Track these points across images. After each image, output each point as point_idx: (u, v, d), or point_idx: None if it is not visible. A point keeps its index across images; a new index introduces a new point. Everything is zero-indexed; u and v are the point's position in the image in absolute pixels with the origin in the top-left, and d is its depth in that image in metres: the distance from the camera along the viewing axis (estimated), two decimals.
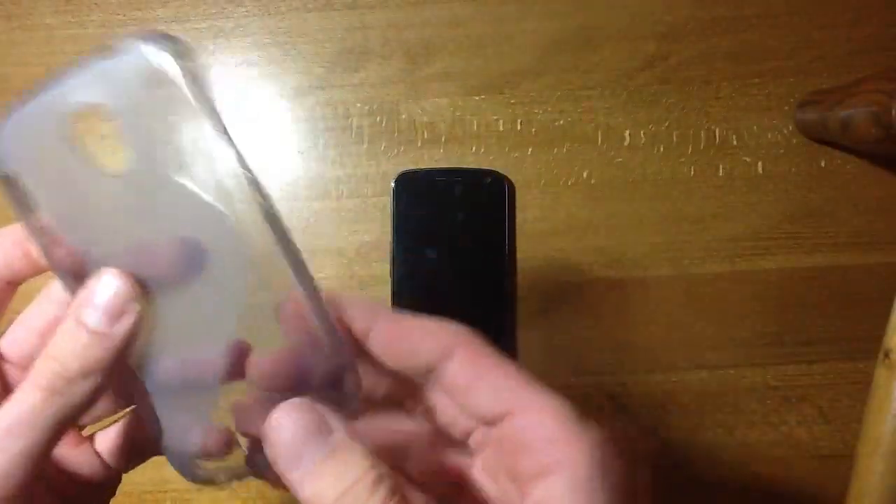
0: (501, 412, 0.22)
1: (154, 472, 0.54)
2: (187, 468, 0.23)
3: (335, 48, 0.56)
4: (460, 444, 0.25)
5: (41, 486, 0.24)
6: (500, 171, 0.55)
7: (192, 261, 0.21)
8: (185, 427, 0.23)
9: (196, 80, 0.20)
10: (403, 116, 0.55)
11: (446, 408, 0.24)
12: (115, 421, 0.27)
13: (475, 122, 0.55)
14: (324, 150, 0.54)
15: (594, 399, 0.53)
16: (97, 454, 0.26)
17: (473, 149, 0.55)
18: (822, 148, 0.54)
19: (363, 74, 0.56)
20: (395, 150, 0.54)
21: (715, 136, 0.55)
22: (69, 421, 0.21)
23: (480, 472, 0.25)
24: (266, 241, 0.20)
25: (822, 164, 0.54)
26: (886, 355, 0.49)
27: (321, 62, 0.56)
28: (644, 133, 0.55)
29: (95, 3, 0.56)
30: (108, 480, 0.27)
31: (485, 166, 0.55)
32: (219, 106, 0.20)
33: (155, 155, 0.20)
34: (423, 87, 0.55)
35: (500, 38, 0.55)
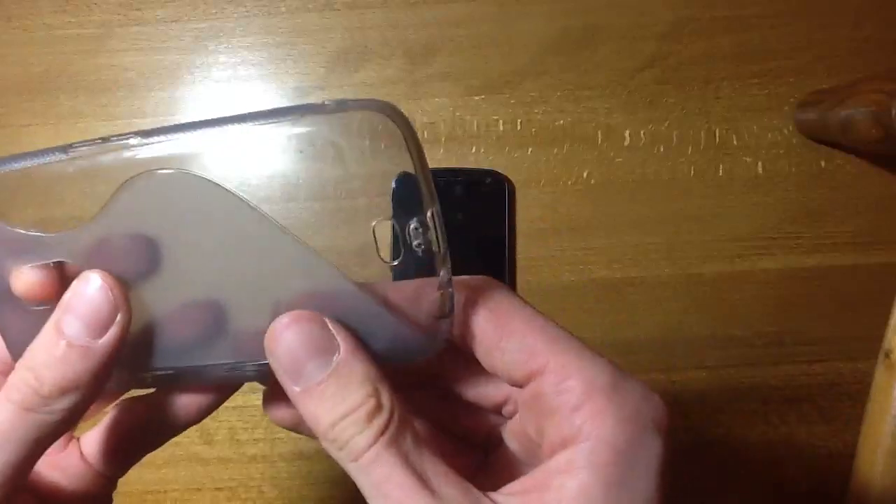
0: (529, 373, 0.20)
1: (154, 473, 0.54)
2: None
3: (335, 48, 0.56)
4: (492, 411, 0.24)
5: (27, 498, 0.22)
6: (500, 171, 0.55)
7: None
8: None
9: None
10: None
11: (478, 377, 0.23)
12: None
13: (475, 122, 0.55)
14: (323, 150, 0.54)
15: None
16: (84, 459, 0.24)
17: (473, 149, 0.55)
18: (822, 148, 0.54)
19: (363, 74, 0.56)
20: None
21: (715, 136, 0.55)
22: (47, 440, 0.19)
23: (509, 431, 0.23)
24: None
25: (822, 164, 0.54)
26: (886, 355, 0.49)
27: (321, 62, 0.56)
28: (644, 133, 0.55)
29: (95, 3, 0.56)
30: (100, 488, 0.25)
31: (485, 166, 0.55)
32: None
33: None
34: (423, 87, 0.55)
35: (500, 38, 0.55)
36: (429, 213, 0.20)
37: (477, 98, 0.55)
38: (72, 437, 0.25)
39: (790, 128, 0.54)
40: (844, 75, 0.53)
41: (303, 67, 0.56)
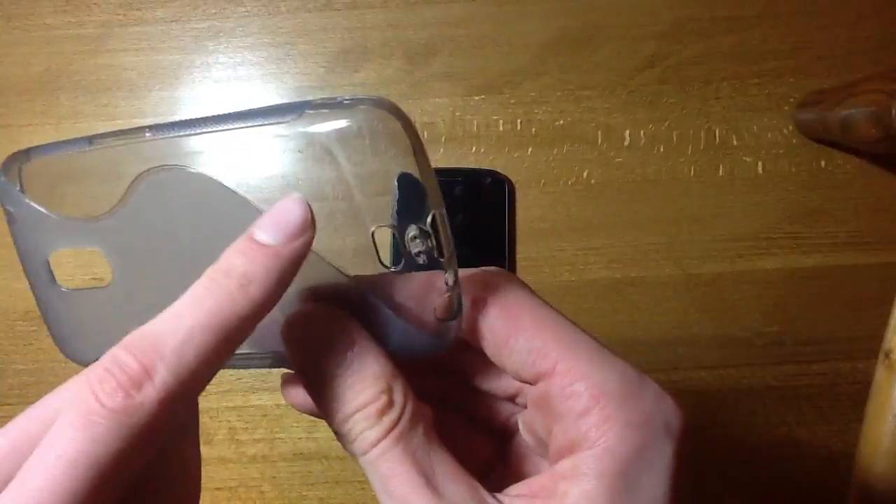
0: (539, 372, 0.20)
1: None
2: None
3: (335, 48, 0.56)
4: (505, 401, 0.24)
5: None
6: (500, 171, 0.55)
7: None
8: None
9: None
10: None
11: (490, 369, 0.22)
12: None
13: (475, 122, 0.55)
14: (322, 150, 0.54)
15: None
16: None
17: (473, 149, 0.55)
18: (822, 148, 0.54)
19: (363, 74, 0.56)
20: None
21: (715, 136, 0.55)
22: (240, 333, 0.18)
23: (523, 423, 0.23)
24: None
25: (822, 164, 0.54)
26: (886, 355, 0.49)
27: (321, 62, 0.56)
28: (644, 133, 0.55)
29: (95, 3, 0.56)
30: None
31: (485, 166, 0.55)
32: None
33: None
34: (423, 87, 0.55)
35: (500, 38, 0.55)
36: (434, 215, 0.20)
37: (477, 98, 0.55)
38: None
39: (790, 128, 0.54)
40: (844, 75, 0.53)
41: (303, 67, 0.56)
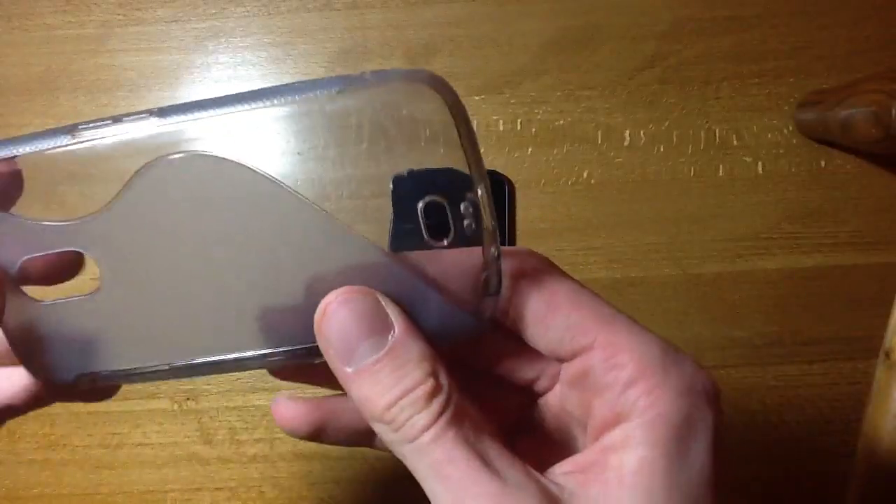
0: (578, 347, 0.20)
1: (154, 473, 0.54)
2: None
3: (335, 48, 0.56)
4: (524, 386, 0.23)
5: None
6: (500, 171, 0.55)
7: None
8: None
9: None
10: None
11: (511, 353, 0.22)
12: None
13: (475, 122, 0.55)
14: (323, 151, 0.54)
15: None
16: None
17: None
18: (822, 148, 0.54)
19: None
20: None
21: (715, 136, 0.55)
22: None
23: (544, 409, 0.22)
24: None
25: (822, 164, 0.54)
26: (887, 355, 0.49)
27: (321, 62, 0.56)
28: (644, 133, 0.55)
29: (95, 3, 0.56)
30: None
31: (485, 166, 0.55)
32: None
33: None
34: None
35: (500, 38, 0.55)
36: (480, 188, 0.19)
37: (477, 98, 0.55)
38: None
39: (790, 128, 0.54)
40: (844, 75, 0.53)
41: (303, 67, 0.56)
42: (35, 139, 0.19)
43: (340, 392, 0.24)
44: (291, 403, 0.24)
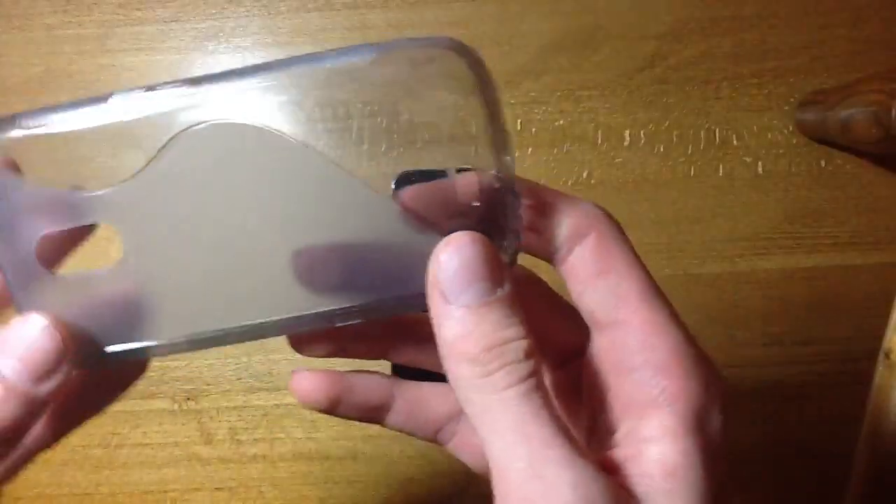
0: (618, 317, 0.20)
1: (154, 473, 0.54)
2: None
3: (335, 48, 0.56)
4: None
5: None
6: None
7: None
8: None
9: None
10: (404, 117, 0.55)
11: (541, 315, 0.22)
12: None
13: (475, 121, 0.55)
14: (324, 151, 0.54)
15: None
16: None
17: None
18: (822, 148, 0.54)
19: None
20: (396, 151, 0.54)
21: (715, 136, 0.55)
22: None
23: (581, 372, 0.22)
24: None
25: (822, 164, 0.54)
26: (886, 355, 0.49)
27: None
28: (644, 133, 0.55)
29: (95, 3, 0.56)
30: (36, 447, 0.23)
31: None
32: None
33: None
34: None
35: (500, 38, 0.55)
36: (507, 162, 0.19)
37: None
38: None
39: (790, 128, 0.54)
40: (844, 75, 0.53)
41: None
42: (69, 107, 0.19)
43: (356, 369, 0.25)
44: (312, 375, 0.24)
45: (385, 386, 0.25)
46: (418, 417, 0.25)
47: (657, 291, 0.20)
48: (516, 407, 0.18)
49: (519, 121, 0.55)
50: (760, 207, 0.54)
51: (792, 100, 0.54)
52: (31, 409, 0.18)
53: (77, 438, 0.53)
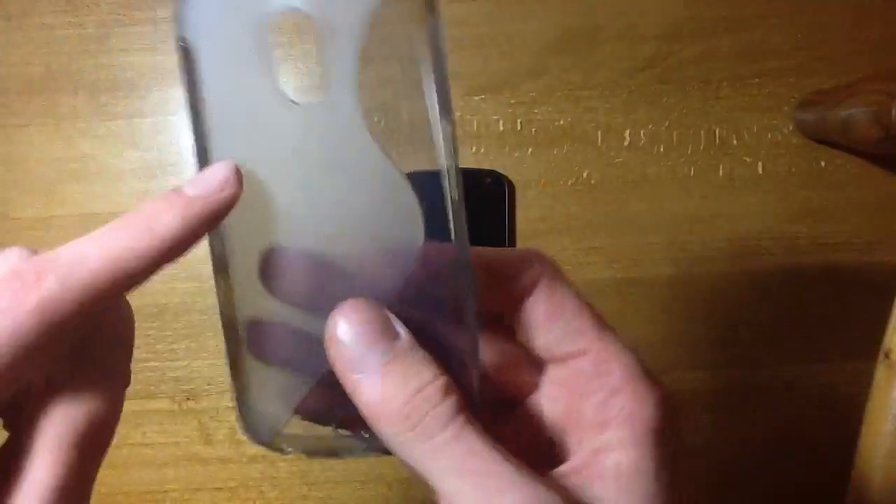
0: (574, 350, 0.21)
1: (154, 473, 0.54)
2: (264, 430, 0.23)
3: None
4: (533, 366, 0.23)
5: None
6: (500, 171, 0.55)
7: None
8: (284, 387, 0.22)
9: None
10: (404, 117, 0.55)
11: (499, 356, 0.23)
12: None
13: (475, 122, 0.55)
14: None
15: None
16: None
17: (473, 149, 0.55)
18: (822, 148, 0.54)
19: (363, 75, 0.56)
20: (395, 151, 0.54)
21: (715, 136, 0.55)
22: (134, 275, 0.18)
23: (540, 403, 0.23)
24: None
25: (822, 164, 0.54)
26: (886, 355, 0.49)
27: None
28: (644, 133, 0.55)
29: (95, 3, 0.56)
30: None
31: (485, 166, 0.55)
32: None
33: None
34: None
35: (500, 38, 0.55)
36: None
37: (477, 98, 0.55)
38: None
39: (790, 128, 0.54)
40: (844, 75, 0.53)
41: (303, 67, 0.56)
42: None
43: None
44: None
45: None
46: None
47: (603, 323, 0.22)
48: (451, 449, 0.18)
49: (519, 121, 0.55)
50: (760, 207, 0.54)
51: (792, 100, 0.54)
52: (203, 215, 0.19)
53: None
